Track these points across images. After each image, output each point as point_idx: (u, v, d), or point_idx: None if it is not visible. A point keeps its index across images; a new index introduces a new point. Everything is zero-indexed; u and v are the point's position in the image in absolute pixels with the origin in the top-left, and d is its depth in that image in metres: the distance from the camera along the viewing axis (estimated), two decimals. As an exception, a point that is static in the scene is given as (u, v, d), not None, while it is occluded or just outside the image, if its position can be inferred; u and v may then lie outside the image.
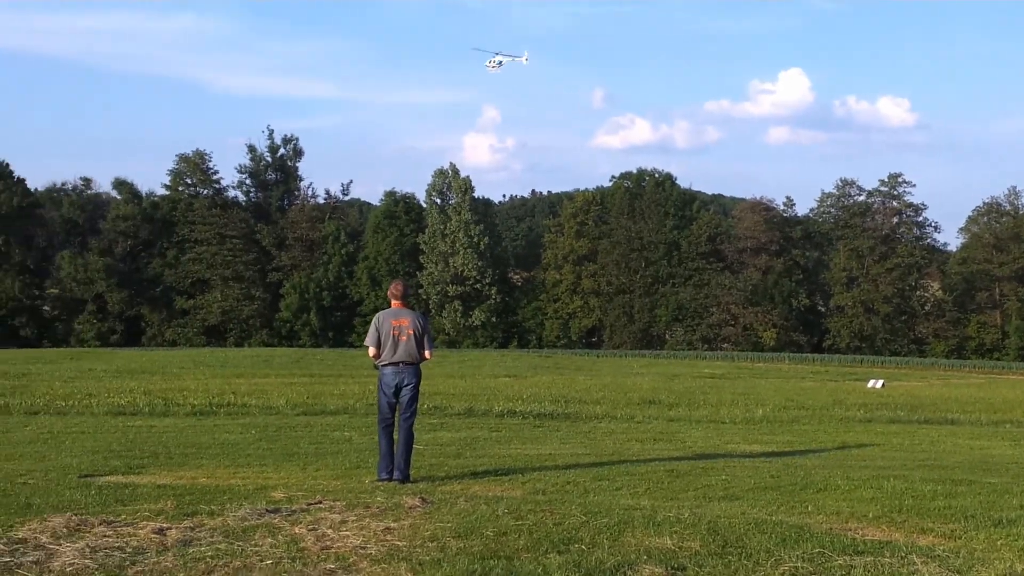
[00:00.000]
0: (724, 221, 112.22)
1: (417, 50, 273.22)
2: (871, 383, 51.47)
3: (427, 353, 12.09)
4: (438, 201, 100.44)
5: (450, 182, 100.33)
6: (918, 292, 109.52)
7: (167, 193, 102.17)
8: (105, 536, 8.25)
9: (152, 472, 12.48)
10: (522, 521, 8.79)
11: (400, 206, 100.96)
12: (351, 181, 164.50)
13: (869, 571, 7.12)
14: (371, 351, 12.14)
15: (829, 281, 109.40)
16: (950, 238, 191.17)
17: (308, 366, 54.97)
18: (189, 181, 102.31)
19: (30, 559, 7.42)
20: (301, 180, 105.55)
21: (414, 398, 12.16)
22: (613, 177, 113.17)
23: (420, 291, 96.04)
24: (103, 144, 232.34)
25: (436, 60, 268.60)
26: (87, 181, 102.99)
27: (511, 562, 7.34)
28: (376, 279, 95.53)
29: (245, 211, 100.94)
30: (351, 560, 7.36)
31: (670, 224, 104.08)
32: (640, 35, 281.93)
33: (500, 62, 46.81)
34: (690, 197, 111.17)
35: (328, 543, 7.94)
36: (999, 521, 9.03)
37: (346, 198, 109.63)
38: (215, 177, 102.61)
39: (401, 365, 11.98)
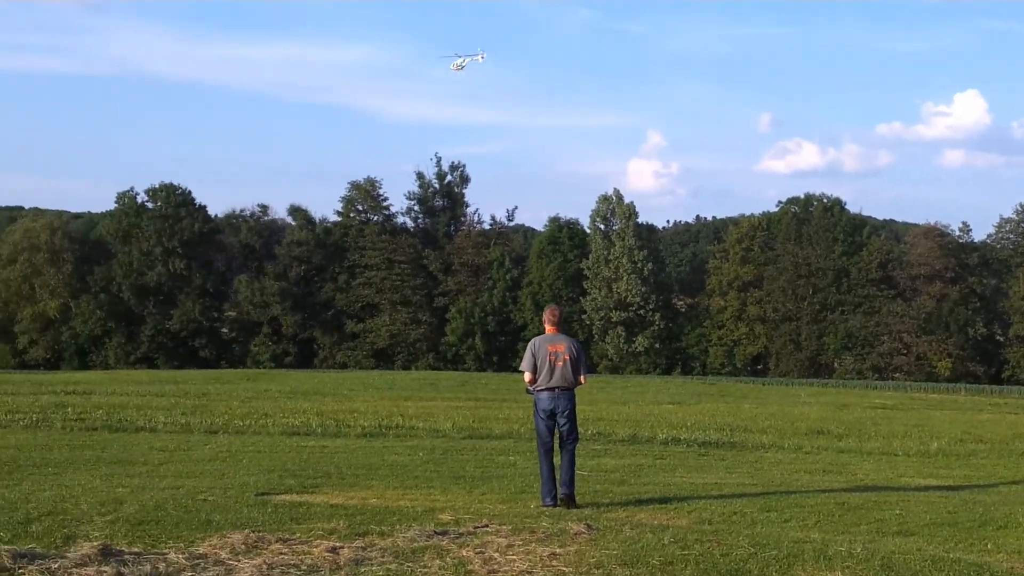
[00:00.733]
0: (896, 247, 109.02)
1: (580, 75, 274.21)
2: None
3: (582, 378, 12.15)
4: (602, 227, 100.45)
5: (614, 208, 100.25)
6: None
7: (339, 219, 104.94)
8: (281, 553, 8.52)
9: (325, 492, 12.81)
10: (688, 551, 8.71)
11: (564, 232, 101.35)
12: (516, 207, 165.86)
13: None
14: (527, 376, 12.23)
15: (1008, 310, 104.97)
16: None
17: (473, 390, 55.57)
18: (360, 208, 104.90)
19: (211, 574, 7.72)
20: (467, 206, 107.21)
21: (574, 426, 12.21)
22: (780, 202, 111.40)
23: (583, 317, 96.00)
24: (280, 172, 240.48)
25: (599, 85, 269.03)
26: (264, 208, 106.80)
27: (678, 592, 7.29)
28: (540, 304, 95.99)
29: (413, 237, 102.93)
30: (518, 584, 7.43)
31: (839, 250, 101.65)
32: (807, 58, 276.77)
33: (462, 65, 47.44)
34: (860, 222, 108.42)
35: (495, 567, 8.03)
36: None
37: (511, 224, 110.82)
38: (385, 204, 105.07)
39: (557, 391, 12.04)
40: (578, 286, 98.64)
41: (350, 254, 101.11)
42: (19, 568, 7.56)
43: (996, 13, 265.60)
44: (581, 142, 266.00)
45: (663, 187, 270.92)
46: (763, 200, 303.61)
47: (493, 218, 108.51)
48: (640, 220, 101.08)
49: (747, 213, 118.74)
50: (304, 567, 8.01)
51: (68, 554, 8.15)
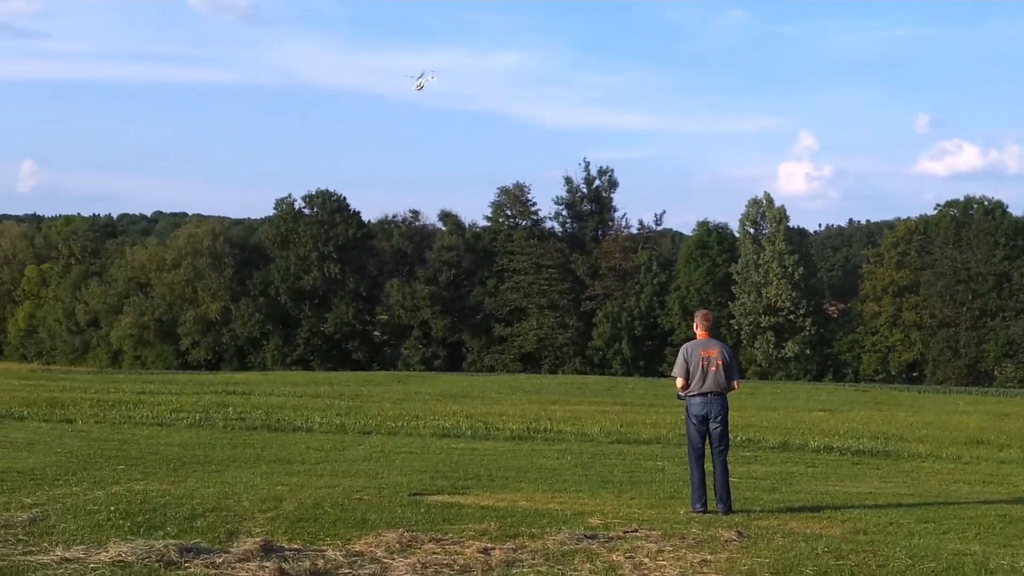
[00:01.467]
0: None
1: (730, 78, 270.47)
2: None
3: (735, 383, 12.09)
4: (751, 231, 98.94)
5: (764, 211, 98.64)
6: None
7: (488, 224, 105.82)
8: (434, 553, 8.69)
9: (475, 493, 12.98)
10: (843, 561, 8.57)
11: (713, 236, 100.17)
12: (664, 211, 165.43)
13: None
14: (679, 381, 12.20)
15: None
16: None
17: (620, 394, 55.39)
18: (509, 212, 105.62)
19: (367, 572, 7.93)
20: (615, 211, 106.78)
21: (724, 433, 12.12)
22: (938, 205, 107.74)
23: (731, 322, 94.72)
24: (430, 178, 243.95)
25: (749, 88, 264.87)
26: (415, 213, 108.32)
27: (832, 602, 7.19)
28: (687, 309, 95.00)
29: (561, 241, 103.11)
30: (669, 590, 7.43)
31: (1000, 255, 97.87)
32: (968, 57, 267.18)
33: (422, 85, 48.01)
34: (1023, 226, 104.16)
35: (645, 572, 8.04)
36: None
37: (659, 228, 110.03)
38: (533, 209, 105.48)
39: (710, 396, 11.99)
40: (726, 291, 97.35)
41: (498, 258, 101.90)
42: (185, 562, 7.89)
43: None
44: (730, 145, 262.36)
45: (815, 190, 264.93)
46: (919, 203, 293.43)
47: (641, 222, 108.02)
48: (791, 224, 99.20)
49: (903, 216, 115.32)
50: (457, 567, 8.16)
51: (231, 549, 8.47)
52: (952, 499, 14.31)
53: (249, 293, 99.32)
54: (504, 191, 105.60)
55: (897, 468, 20.24)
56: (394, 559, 8.38)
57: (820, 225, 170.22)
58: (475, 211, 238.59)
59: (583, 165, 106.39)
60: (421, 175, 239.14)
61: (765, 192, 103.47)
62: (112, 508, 10.25)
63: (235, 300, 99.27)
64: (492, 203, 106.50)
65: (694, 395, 12.02)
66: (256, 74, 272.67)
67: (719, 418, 12.03)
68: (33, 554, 8.08)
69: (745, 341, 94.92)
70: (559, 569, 8.10)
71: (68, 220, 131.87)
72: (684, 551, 8.91)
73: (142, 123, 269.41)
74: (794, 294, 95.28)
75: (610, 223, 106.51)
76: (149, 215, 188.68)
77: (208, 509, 10.51)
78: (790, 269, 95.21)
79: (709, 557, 8.64)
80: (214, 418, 25.10)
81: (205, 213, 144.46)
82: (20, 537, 8.74)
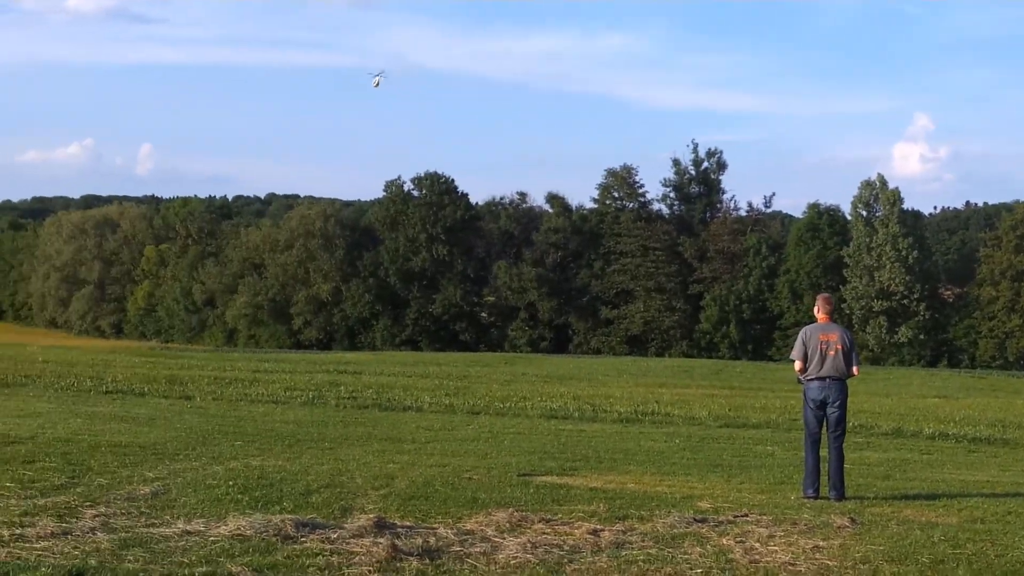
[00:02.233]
0: None
1: (842, 59, 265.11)
2: None
3: (855, 369, 11.90)
4: (864, 213, 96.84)
5: (877, 193, 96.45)
6: None
7: (595, 206, 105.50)
8: (544, 533, 8.76)
9: (584, 475, 13.03)
10: (960, 550, 8.41)
11: (824, 219, 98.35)
12: (773, 194, 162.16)
13: None
14: (797, 365, 12.07)
15: None
16: None
17: (728, 378, 54.94)
18: (616, 195, 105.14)
19: (478, 550, 8.03)
20: (724, 193, 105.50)
21: (842, 416, 11.95)
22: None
23: (843, 306, 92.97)
24: (538, 160, 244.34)
25: (862, 69, 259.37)
26: (523, 195, 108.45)
27: (949, 592, 7.07)
28: (797, 293, 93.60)
29: (668, 224, 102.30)
30: None
31: None
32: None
33: (378, 83, 50.82)
34: None
35: (756, 557, 7.99)
36: None
37: (768, 211, 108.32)
38: (641, 191, 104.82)
39: (828, 380, 11.82)
40: (838, 274, 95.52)
41: (605, 241, 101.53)
42: (301, 536, 8.08)
43: None
44: (842, 127, 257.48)
45: (930, 172, 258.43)
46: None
47: (750, 205, 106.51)
48: (905, 206, 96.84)
49: (1022, 199, 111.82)
50: (566, 547, 8.21)
51: (345, 525, 8.64)
52: (1075, 490, 13.90)
53: (359, 274, 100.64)
54: (611, 173, 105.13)
55: (1015, 456, 19.74)
56: (504, 538, 8.46)
57: (935, 208, 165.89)
58: (582, 193, 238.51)
59: (691, 147, 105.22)
60: (529, 157, 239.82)
61: (879, 174, 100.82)
62: (231, 483, 10.54)
63: (345, 281, 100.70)
64: (599, 185, 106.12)
65: (812, 379, 11.88)
66: (366, 58, 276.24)
67: (837, 403, 11.87)
68: (156, 526, 8.35)
69: (857, 325, 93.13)
70: (669, 552, 8.10)
71: (185, 202, 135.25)
72: (796, 537, 8.83)
73: (256, 107, 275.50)
74: (908, 278, 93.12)
75: (718, 205, 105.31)
76: (263, 197, 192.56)
77: (322, 485, 10.74)
78: (904, 252, 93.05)
79: (822, 543, 8.56)
80: (327, 396, 25.58)
81: (317, 195, 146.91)
82: (143, 510, 9.05)
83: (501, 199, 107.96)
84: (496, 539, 8.44)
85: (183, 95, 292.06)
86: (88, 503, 9.20)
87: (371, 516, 8.90)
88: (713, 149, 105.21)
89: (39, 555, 7.13)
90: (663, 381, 47.90)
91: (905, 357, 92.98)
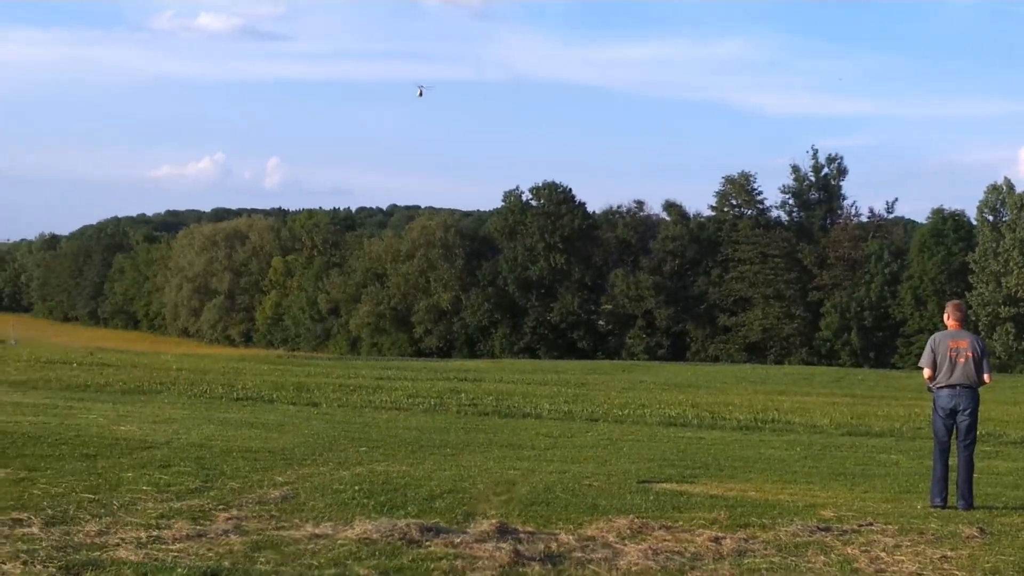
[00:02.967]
0: None
1: (966, 61, 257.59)
2: None
3: (986, 377, 11.64)
4: (990, 218, 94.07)
5: (1004, 198, 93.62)
6: None
7: (713, 214, 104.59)
8: (665, 540, 8.78)
9: (703, 482, 12.98)
10: (1095, 562, 8.19)
11: (948, 224, 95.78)
12: (896, 199, 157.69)
13: None
14: (926, 372, 11.87)
15: None
16: None
17: (849, 386, 53.91)
18: (734, 202, 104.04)
19: (599, 556, 8.09)
20: (844, 199, 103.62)
21: (973, 425, 11.71)
22: None
23: (969, 312, 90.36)
24: (655, 168, 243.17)
25: (987, 70, 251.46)
26: (640, 204, 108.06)
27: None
28: (921, 299, 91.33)
29: (787, 231, 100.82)
30: (906, 585, 7.29)
31: None
32: None
33: (422, 92, 54.91)
34: None
35: (882, 566, 7.90)
36: None
37: (890, 216, 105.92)
38: (759, 198, 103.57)
39: (958, 388, 11.59)
40: (963, 280, 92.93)
41: (723, 248, 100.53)
42: (426, 541, 8.25)
43: None
44: (966, 130, 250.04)
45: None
46: None
47: (871, 210, 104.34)
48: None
49: None
50: (688, 555, 8.22)
51: (468, 530, 8.79)
52: None
53: (478, 283, 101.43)
54: (729, 180, 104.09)
55: None
56: (625, 545, 8.51)
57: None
58: (699, 201, 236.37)
59: (811, 152, 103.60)
60: (645, 166, 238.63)
61: (1005, 177, 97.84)
62: (357, 488, 10.79)
63: (465, 290, 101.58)
64: (717, 192, 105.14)
65: (942, 387, 11.67)
66: (483, 70, 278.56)
67: (968, 411, 11.63)
68: (285, 529, 8.61)
69: (983, 332, 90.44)
70: (792, 560, 8.06)
71: (311, 214, 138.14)
72: (923, 546, 8.70)
73: (377, 119, 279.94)
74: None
75: (839, 211, 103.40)
76: (384, 208, 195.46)
77: (446, 491, 10.92)
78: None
79: (950, 553, 8.42)
80: (448, 403, 25.88)
81: (437, 206, 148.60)
82: (273, 513, 9.33)
83: (618, 207, 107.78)
84: (617, 545, 8.49)
85: (308, 109, 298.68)
86: (221, 506, 9.52)
87: (493, 521, 9.03)
88: (833, 155, 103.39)
89: (175, 556, 7.42)
90: (783, 388, 47.23)
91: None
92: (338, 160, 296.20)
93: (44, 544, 7.58)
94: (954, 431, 11.74)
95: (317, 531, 8.53)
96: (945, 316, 12.08)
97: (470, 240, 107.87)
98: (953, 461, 11.70)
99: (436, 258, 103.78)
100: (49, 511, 8.85)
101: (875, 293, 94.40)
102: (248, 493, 10.32)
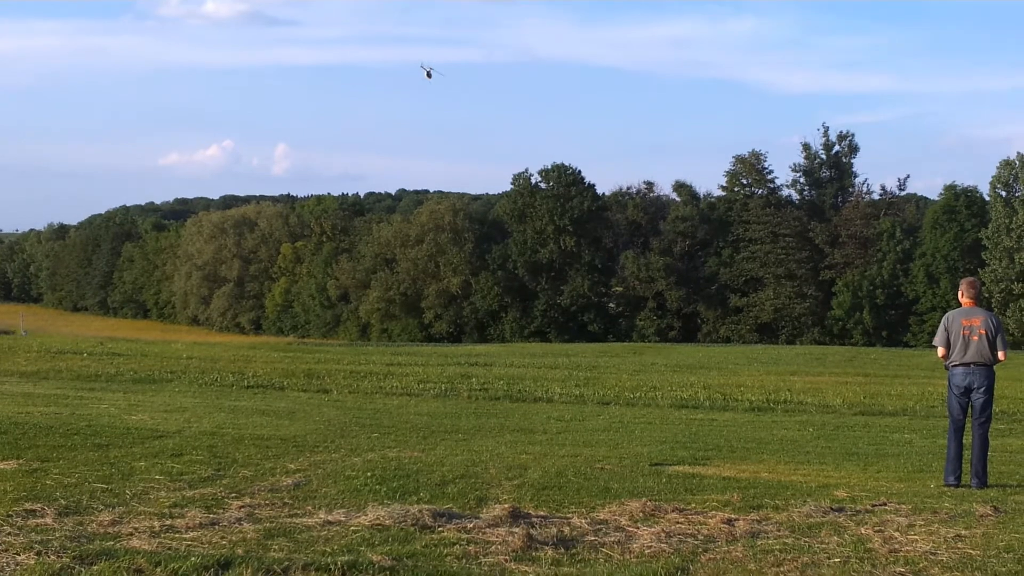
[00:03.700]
0: None
1: (980, 35, 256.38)
2: None
3: (1001, 354, 11.58)
4: (1003, 194, 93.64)
5: (1017, 173, 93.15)
6: None
7: (723, 194, 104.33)
8: (677, 523, 8.76)
9: (716, 464, 12.97)
10: (1110, 539, 8.15)
11: (961, 200, 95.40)
12: (908, 176, 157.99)
13: None
14: (940, 351, 11.82)
15: None
16: None
17: (862, 365, 53.76)
18: (744, 181, 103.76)
19: (612, 539, 8.08)
20: (856, 177, 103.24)
21: (988, 403, 11.65)
22: None
23: (982, 289, 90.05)
24: (664, 149, 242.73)
25: (1001, 44, 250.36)
26: (650, 185, 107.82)
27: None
28: (933, 276, 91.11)
29: (799, 209, 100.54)
30: (921, 565, 7.25)
31: None
32: None
33: (429, 74, 56.50)
34: None
35: (896, 546, 7.87)
36: None
37: (902, 193, 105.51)
38: (770, 177, 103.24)
39: (972, 366, 11.54)
40: (976, 257, 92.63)
41: (734, 228, 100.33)
42: (438, 526, 8.25)
43: None
44: (980, 106, 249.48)
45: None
46: None
47: (883, 188, 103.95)
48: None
49: None
50: (701, 537, 8.21)
51: (481, 515, 8.79)
52: None
53: (488, 267, 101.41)
54: (739, 159, 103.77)
55: None
56: (638, 528, 8.49)
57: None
58: (710, 181, 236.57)
59: (822, 130, 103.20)
60: (655, 146, 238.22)
61: (1018, 152, 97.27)
62: (369, 474, 10.80)
63: (475, 274, 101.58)
64: (727, 172, 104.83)
65: (956, 365, 11.63)
66: (494, 52, 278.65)
67: (982, 389, 11.58)
68: (298, 516, 8.62)
69: (996, 309, 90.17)
70: (806, 541, 8.03)
71: (319, 200, 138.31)
72: (936, 525, 8.67)
73: (385, 104, 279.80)
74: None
75: (850, 189, 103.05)
76: (393, 193, 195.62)
77: (458, 476, 10.92)
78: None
79: (964, 532, 8.38)
80: (459, 388, 25.91)
81: (446, 190, 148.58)
82: (286, 500, 9.34)
83: (628, 189, 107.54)
84: (630, 528, 8.48)
85: (315, 95, 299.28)
86: (234, 494, 9.53)
87: (506, 506, 9.02)
88: (844, 132, 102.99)
89: (188, 545, 7.43)
90: (795, 369, 47.14)
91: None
92: (346, 145, 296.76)
93: (57, 534, 7.59)
94: (969, 409, 11.70)
95: (330, 518, 8.53)
96: (959, 293, 12.02)
97: (479, 224, 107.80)
98: (967, 440, 11.66)
99: (445, 242, 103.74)
100: (62, 501, 8.87)
101: (887, 271, 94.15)
102: (260, 481, 10.33)
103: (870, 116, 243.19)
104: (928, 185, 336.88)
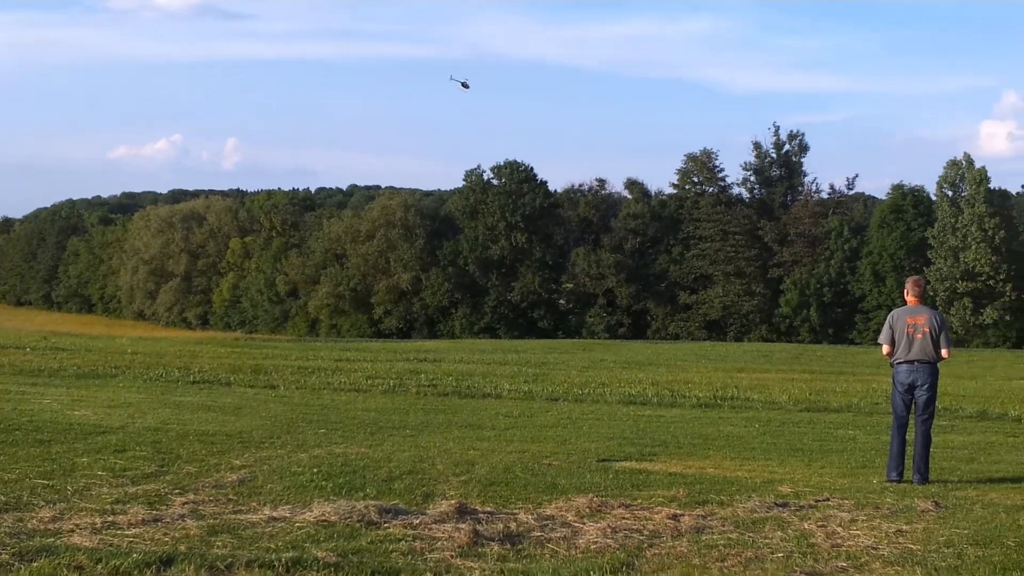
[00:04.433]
0: None
1: (928, 36, 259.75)
2: None
3: (944, 352, 11.73)
4: (949, 193, 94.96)
5: (963, 173, 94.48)
6: None
7: (674, 192, 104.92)
8: (623, 518, 8.80)
9: (663, 460, 13.04)
10: (1048, 534, 8.29)
11: (908, 199, 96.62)
12: (856, 175, 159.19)
13: None
14: (885, 349, 11.97)
15: None
16: None
17: (808, 362, 54.34)
18: (696, 179, 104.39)
19: (558, 535, 8.10)
20: (805, 176, 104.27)
21: (931, 399, 11.82)
22: None
23: (926, 287, 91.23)
24: (617, 147, 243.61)
25: (948, 46, 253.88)
26: (601, 182, 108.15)
27: (1035, 575, 6.98)
28: (880, 275, 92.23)
29: (748, 208, 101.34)
30: (863, 560, 7.33)
31: None
32: None
33: (464, 84, 59.32)
34: None
35: (839, 541, 7.95)
36: None
37: (851, 192, 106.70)
38: (721, 175, 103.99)
39: (916, 364, 11.69)
40: (921, 256, 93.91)
41: (684, 226, 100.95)
42: (384, 522, 8.22)
43: None
44: (927, 106, 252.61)
45: (1019, 150, 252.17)
46: None
47: (832, 187, 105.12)
48: (992, 185, 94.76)
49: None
50: (646, 532, 8.25)
51: (428, 511, 8.78)
52: None
53: (439, 263, 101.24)
54: (691, 158, 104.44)
55: (1107, 440, 19.29)
56: (584, 523, 8.52)
57: (1023, 187, 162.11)
58: (661, 179, 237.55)
59: (772, 130, 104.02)
60: (608, 144, 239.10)
61: (965, 153, 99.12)
62: (315, 470, 10.73)
63: (425, 270, 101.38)
64: (679, 170, 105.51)
65: (900, 362, 11.78)
66: (447, 48, 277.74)
67: (926, 386, 11.74)
68: (243, 513, 8.55)
69: (941, 307, 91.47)
70: (750, 536, 8.09)
71: (269, 195, 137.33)
72: (878, 521, 8.77)
73: (338, 99, 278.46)
74: (994, 258, 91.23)
75: (800, 188, 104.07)
76: (344, 188, 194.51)
77: (405, 472, 10.89)
78: (990, 232, 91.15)
79: (905, 527, 8.49)
80: (407, 384, 25.81)
81: (397, 186, 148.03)
82: (230, 497, 9.26)
83: (580, 186, 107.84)
84: (576, 524, 8.50)
85: (267, 89, 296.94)
86: (177, 491, 9.44)
87: (452, 502, 9.01)
88: (795, 131, 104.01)
89: (131, 542, 7.35)
90: (742, 366, 47.54)
91: (990, 339, 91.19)
92: (298, 140, 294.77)
93: (-4, 531, 7.47)
94: (912, 406, 11.85)
95: (275, 514, 8.47)
96: (904, 292, 12.17)
97: (431, 220, 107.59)
98: (910, 436, 11.81)
99: (396, 238, 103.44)
100: (2, 497, 8.75)
101: (834, 269, 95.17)
102: (205, 477, 10.24)
103: (821, 116, 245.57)
104: (876, 185, 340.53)
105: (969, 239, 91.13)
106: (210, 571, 6.63)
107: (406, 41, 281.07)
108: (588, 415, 19.83)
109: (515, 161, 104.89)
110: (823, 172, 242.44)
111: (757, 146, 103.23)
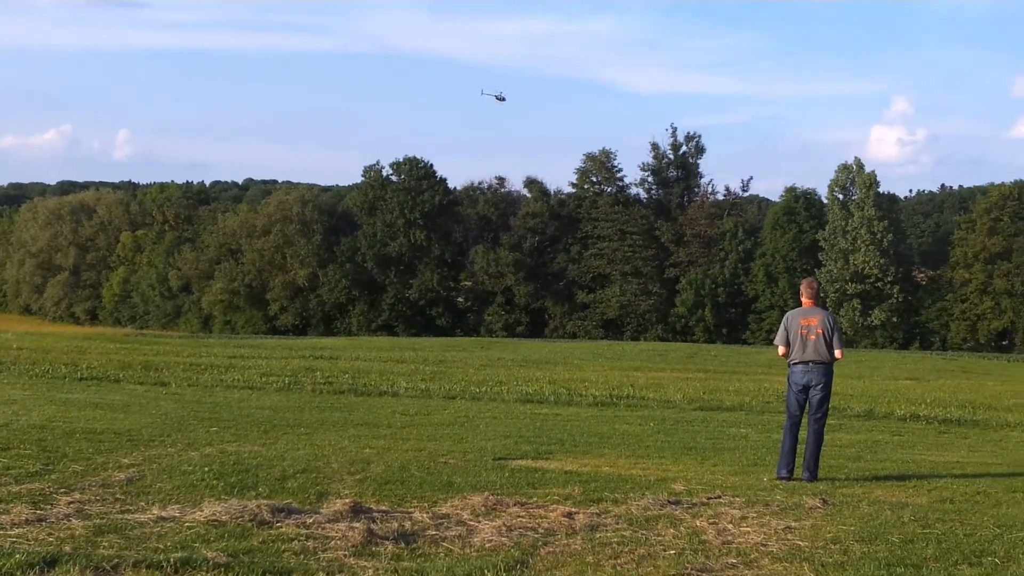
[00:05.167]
0: None
1: (824, 41, 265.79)
2: None
3: (837, 353, 11.98)
4: (840, 197, 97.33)
5: (854, 177, 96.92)
6: None
7: (573, 191, 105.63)
8: (519, 516, 8.82)
9: (559, 458, 13.09)
10: (930, 529, 8.53)
11: (800, 202, 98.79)
12: (751, 177, 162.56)
13: None
14: (780, 350, 12.18)
15: None
16: None
17: (702, 362, 55.14)
18: (594, 179, 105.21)
19: (453, 533, 8.08)
20: (701, 177, 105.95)
21: (825, 399, 12.07)
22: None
23: (819, 288, 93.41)
24: (516, 145, 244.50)
25: (842, 51, 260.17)
26: (501, 180, 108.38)
27: (919, 571, 7.17)
28: (773, 276, 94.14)
29: (646, 208, 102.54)
30: (752, 556, 7.46)
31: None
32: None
33: (501, 97, 59.82)
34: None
35: (729, 538, 8.08)
36: None
37: (745, 194, 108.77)
38: (619, 175, 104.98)
39: (811, 364, 11.93)
40: (813, 257, 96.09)
41: (583, 225, 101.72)
42: (277, 522, 8.11)
43: None
44: (821, 110, 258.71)
45: (907, 155, 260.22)
46: (1015, 168, 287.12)
47: (727, 189, 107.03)
48: (881, 189, 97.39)
49: (997, 182, 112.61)
50: (541, 530, 8.27)
51: (321, 510, 8.68)
52: (1043, 470, 14.07)
53: (336, 259, 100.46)
54: (590, 157, 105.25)
55: (985, 438, 19.95)
56: (479, 522, 8.51)
57: (911, 191, 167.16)
58: (560, 178, 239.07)
59: (670, 131, 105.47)
60: (507, 142, 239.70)
61: (855, 157, 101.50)
62: (206, 469, 10.54)
63: (322, 266, 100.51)
64: (577, 170, 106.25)
65: (795, 363, 12.01)
66: (347, 42, 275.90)
67: (820, 386, 11.98)
68: (131, 512, 8.36)
69: (831, 308, 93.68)
70: (643, 534, 8.17)
71: (162, 187, 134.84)
72: (768, 518, 8.92)
73: (234, 92, 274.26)
74: (882, 261, 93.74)
75: (696, 189, 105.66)
76: (240, 182, 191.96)
77: (298, 471, 10.76)
78: (879, 236, 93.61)
79: (793, 524, 8.65)
80: (303, 382, 25.52)
81: (294, 180, 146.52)
82: (118, 496, 9.04)
83: (479, 184, 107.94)
84: (471, 523, 8.49)
85: (162, 80, 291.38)
86: (63, 490, 9.19)
87: (347, 501, 8.93)
88: (692, 133, 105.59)
89: (13, 542, 7.14)
90: (638, 365, 48.03)
91: (878, 339, 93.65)
92: (192, 132, 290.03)
93: None
94: (806, 405, 12.09)
95: (164, 514, 8.30)
96: (799, 293, 12.41)
97: (328, 215, 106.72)
98: (802, 434, 12.04)
99: (293, 234, 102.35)
100: None
101: (729, 270, 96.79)
102: (91, 476, 9.99)
103: (717, 118, 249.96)
104: (770, 187, 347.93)
105: (859, 242, 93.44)
106: (96, 572, 6.48)
107: (305, 33, 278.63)
108: (485, 413, 19.82)
109: (414, 157, 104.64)
110: (719, 174, 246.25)
111: (655, 147, 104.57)
